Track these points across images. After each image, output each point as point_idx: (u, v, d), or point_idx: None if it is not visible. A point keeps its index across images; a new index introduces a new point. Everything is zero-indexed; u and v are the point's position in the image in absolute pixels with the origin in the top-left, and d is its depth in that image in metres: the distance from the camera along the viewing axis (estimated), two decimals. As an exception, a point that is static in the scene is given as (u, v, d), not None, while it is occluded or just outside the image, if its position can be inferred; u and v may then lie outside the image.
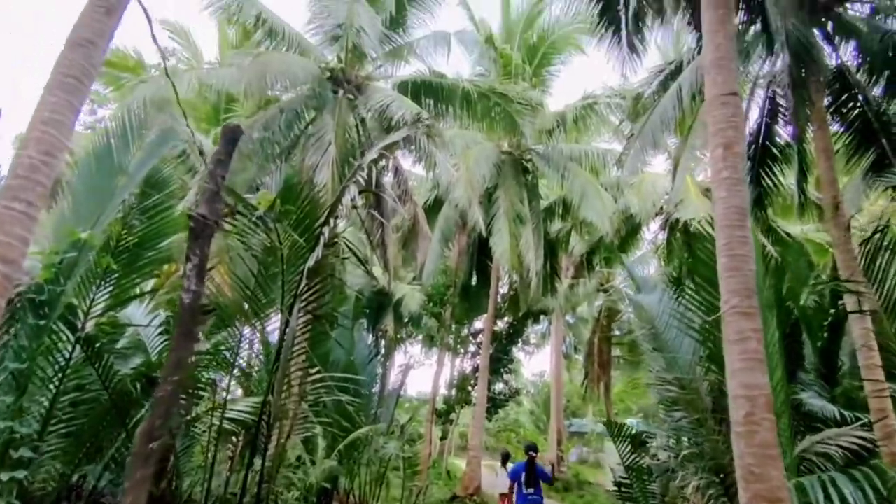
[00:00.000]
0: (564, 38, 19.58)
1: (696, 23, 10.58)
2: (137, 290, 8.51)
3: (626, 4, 9.31)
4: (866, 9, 12.29)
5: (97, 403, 7.09)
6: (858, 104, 12.69)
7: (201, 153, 14.92)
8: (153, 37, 5.90)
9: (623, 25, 10.02)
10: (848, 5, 12.19)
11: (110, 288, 7.37)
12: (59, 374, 6.61)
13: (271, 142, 15.27)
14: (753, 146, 13.22)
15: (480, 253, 23.50)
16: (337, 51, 15.51)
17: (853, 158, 13.28)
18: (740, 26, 11.84)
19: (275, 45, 15.25)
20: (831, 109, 12.50)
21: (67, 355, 6.65)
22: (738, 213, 6.18)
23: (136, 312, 9.05)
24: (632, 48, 10.12)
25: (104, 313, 7.31)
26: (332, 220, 7.53)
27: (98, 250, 7.03)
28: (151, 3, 5.69)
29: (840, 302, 9.56)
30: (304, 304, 7.70)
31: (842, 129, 12.87)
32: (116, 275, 7.41)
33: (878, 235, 7.96)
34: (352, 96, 15.70)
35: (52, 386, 6.59)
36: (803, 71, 11.37)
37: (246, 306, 8.19)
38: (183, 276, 5.47)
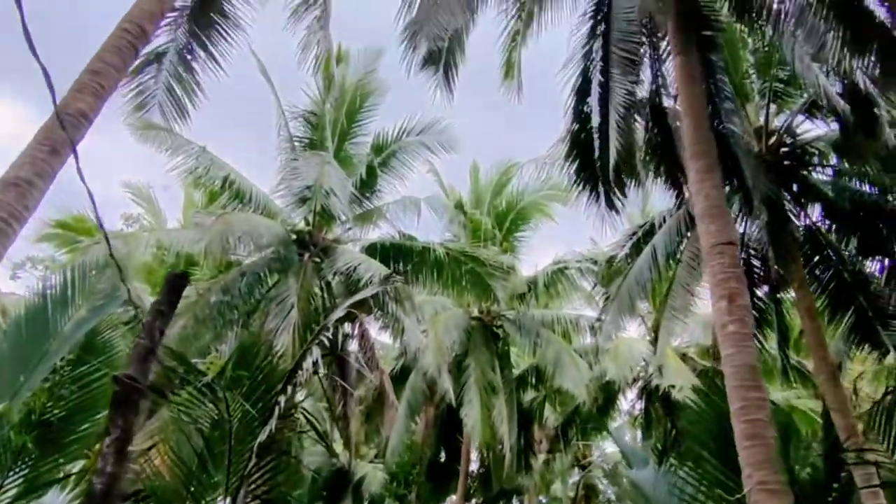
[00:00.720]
0: (533, 204, 19.90)
1: (673, 180, 10.52)
2: (60, 473, 7.26)
3: (605, 163, 9.18)
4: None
5: None
6: (832, 264, 12.62)
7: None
8: (88, 193, 5.24)
9: (600, 183, 9.86)
10: (811, 169, 12.52)
11: (25, 471, 6.19)
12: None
13: (230, 306, 14.44)
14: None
15: (449, 426, 22.05)
16: (305, 213, 15.25)
17: (833, 320, 12.98)
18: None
19: (241, 207, 14.95)
20: (805, 270, 12.38)
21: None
22: (749, 371, 5.51)
23: (55, 501, 7.67)
24: (610, 205, 9.90)
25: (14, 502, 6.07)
26: (289, 389, 6.58)
27: (14, 426, 5.97)
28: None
29: (842, 474, 8.58)
30: (252, 486, 6.54)
31: (818, 291, 12.69)
32: (34, 455, 6.25)
33: (889, 397, 7.25)
34: (318, 259, 15.23)
35: None
36: (779, 230, 11.31)
37: (185, 492, 6.91)
38: (99, 454, 4.40)
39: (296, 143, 15.67)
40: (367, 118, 16.69)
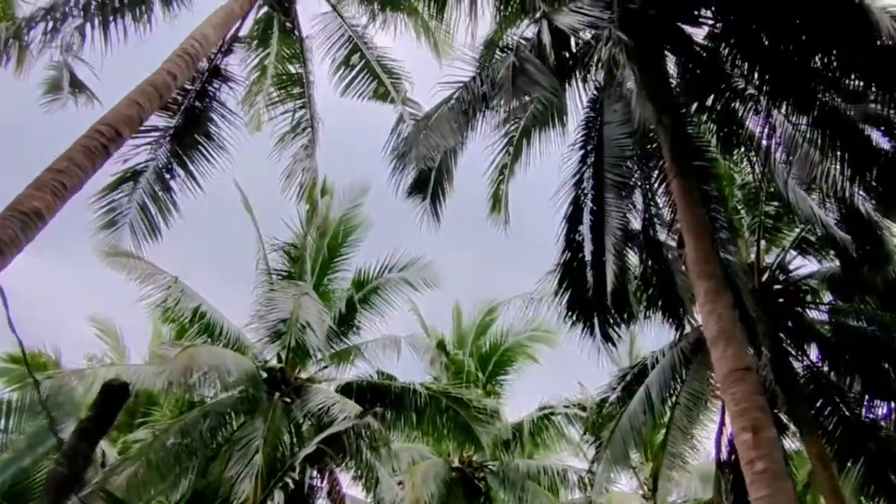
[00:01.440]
0: (518, 346, 19.21)
1: (671, 313, 10.01)
2: None
3: (599, 291, 8.69)
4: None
5: None
6: (837, 407, 11.90)
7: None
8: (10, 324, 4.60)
9: (594, 314, 9.31)
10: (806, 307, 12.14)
11: None
12: None
13: (189, 451, 13.13)
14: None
15: None
16: (278, 349, 14.36)
17: (843, 469, 12.04)
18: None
19: (211, 342, 14.08)
20: (812, 413, 11.65)
21: None
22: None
23: None
24: (606, 337, 9.29)
25: None
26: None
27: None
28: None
29: None
30: None
31: (826, 436, 11.88)
32: None
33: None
34: (289, 399, 14.14)
35: None
36: (783, 369, 10.69)
37: None
38: None
39: (274, 276, 15.13)
40: (349, 253, 16.31)
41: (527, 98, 10.84)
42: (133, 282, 13.64)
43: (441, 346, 18.40)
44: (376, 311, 16.05)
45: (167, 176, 9.52)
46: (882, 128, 7.03)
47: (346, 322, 15.45)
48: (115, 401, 4.00)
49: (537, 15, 8.57)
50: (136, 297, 13.79)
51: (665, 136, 7.46)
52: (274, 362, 14.54)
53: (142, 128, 9.25)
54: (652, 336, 13.25)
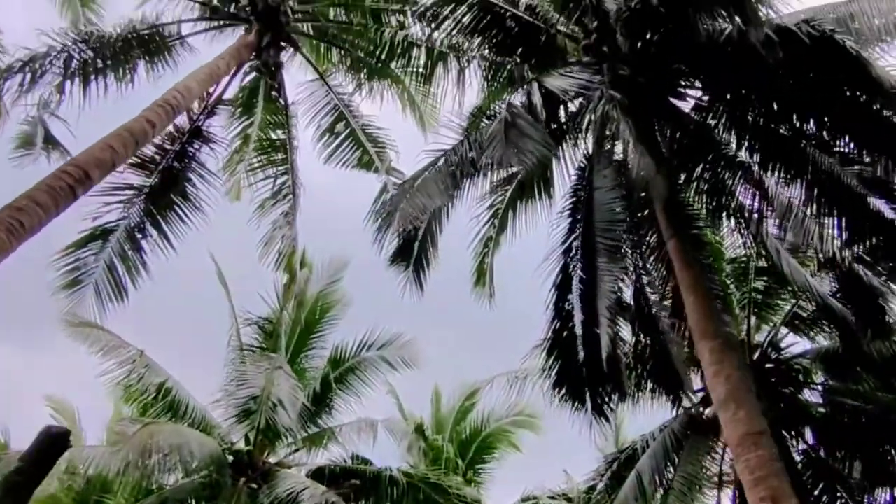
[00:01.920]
0: (501, 432, 18.35)
1: (667, 387, 9.52)
2: None
3: (591, 362, 8.25)
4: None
5: None
6: (836, 496, 11.28)
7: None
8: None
9: (586, 387, 8.81)
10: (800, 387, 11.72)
11: None
12: None
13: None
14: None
15: None
16: (247, 429, 13.45)
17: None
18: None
19: (175, 420, 13.17)
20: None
21: None
22: None
23: None
24: (599, 411, 8.75)
25: None
26: None
27: None
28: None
29: None
30: None
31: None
32: None
33: None
34: (256, 485, 13.14)
35: None
36: (782, 452, 10.12)
37: None
38: None
39: (246, 352, 14.41)
40: (326, 330, 15.66)
41: (513, 167, 10.88)
42: (96, 354, 12.84)
43: (419, 430, 17.54)
44: (352, 392, 15.30)
45: (139, 235, 9.08)
46: (880, 190, 6.91)
47: (320, 402, 14.65)
48: (50, 446, 3.40)
49: (527, 80, 8.54)
50: (98, 372, 12.92)
51: (659, 193, 7.24)
52: (241, 444, 13.61)
53: (116, 185, 8.95)
54: (640, 420, 12.71)
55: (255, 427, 13.39)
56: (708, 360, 5.86)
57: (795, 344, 11.67)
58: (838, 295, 8.89)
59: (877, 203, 7.02)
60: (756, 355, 11.52)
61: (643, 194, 9.57)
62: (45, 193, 5.60)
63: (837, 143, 7.12)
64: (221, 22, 10.89)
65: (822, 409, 11.45)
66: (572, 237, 9.33)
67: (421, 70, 10.59)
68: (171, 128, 9.55)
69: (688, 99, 9.48)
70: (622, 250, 8.64)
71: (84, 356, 13.00)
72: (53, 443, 3.43)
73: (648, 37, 8.55)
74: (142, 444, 11.36)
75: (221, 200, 10.36)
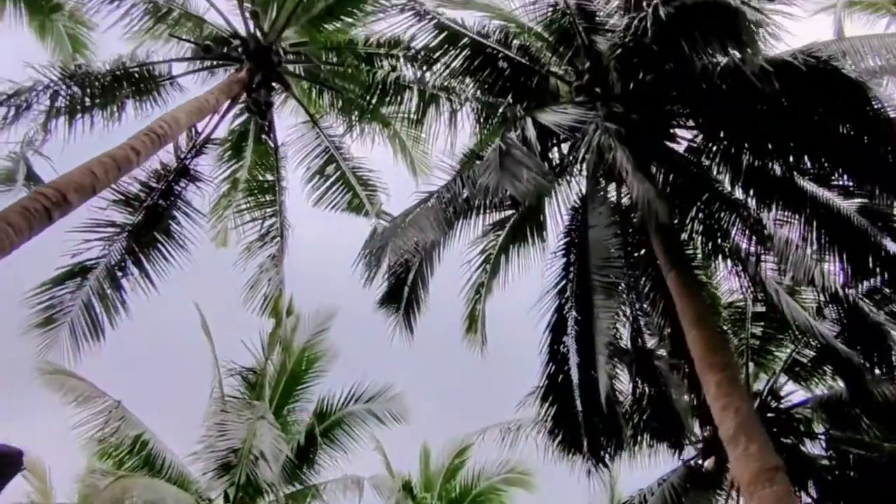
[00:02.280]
0: (492, 491, 17.61)
1: (669, 433, 9.12)
2: None
3: (589, 406, 7.90)
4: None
5: None
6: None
7: None
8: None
9: (583, 434, 8.41)
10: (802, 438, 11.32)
11: None
12: None
13: None
14: None
15: None
16: (226, 485, 12.77)
17: None
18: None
19: (151, 475, 12.49)
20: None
21: None
22: None
23: None
24: (598, 458, 8.32)
25: None
26: None
27: None
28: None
29: None
30: None
31: None
32: None
33: None
34: (233, 547, 12.40)
35: None
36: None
37: None
38: None
39: (228, 401, 13.84)
40: (312, 382, 15.17)
41: (506, 211, 10.74)
42: (70, 404, 12.25)
43: (407, 488, 16.83)
44: (338, 447, 14.70)
45: (119, 273, 8.75)
46: (880, 223, 6.78)
47: (304, 457, 14.02)
48: (4, 469, 3.03)
49: (520, 117, 8.47)
50: (71, 425, 12.28)
51: (661, 219, 7.05)
52: (220, 501, 12.89)
53: (98, 222, 8.69)
54: (637, 475, 12.24)
55: (235, 483, 12.73)
56: (714, 393, 5.54)
57: (795, 392, 11.38)
58: (843, 335, 8.64)
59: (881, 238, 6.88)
60: (756, 404, 11.17)
61: (638, 237, 9.46)
62: (18, 215, 5.33)
63: (836, 176, 7.02)
64: (213, 62, 10.87)
65: (826, 462, 11.06)
66: (567, 277, 9.10)
67: (413, 112, 10.53)
68: (157, 165, 9.39)
69: (680, 141, 9.47)
70: (619, 288, 8.40)
71: (57, 406, 12.43)
72: (6, 463, 3.07)
73: (641, 76, 8.56)
74: (113, 499, 10.73)
75: (207, 243, 10.08)
